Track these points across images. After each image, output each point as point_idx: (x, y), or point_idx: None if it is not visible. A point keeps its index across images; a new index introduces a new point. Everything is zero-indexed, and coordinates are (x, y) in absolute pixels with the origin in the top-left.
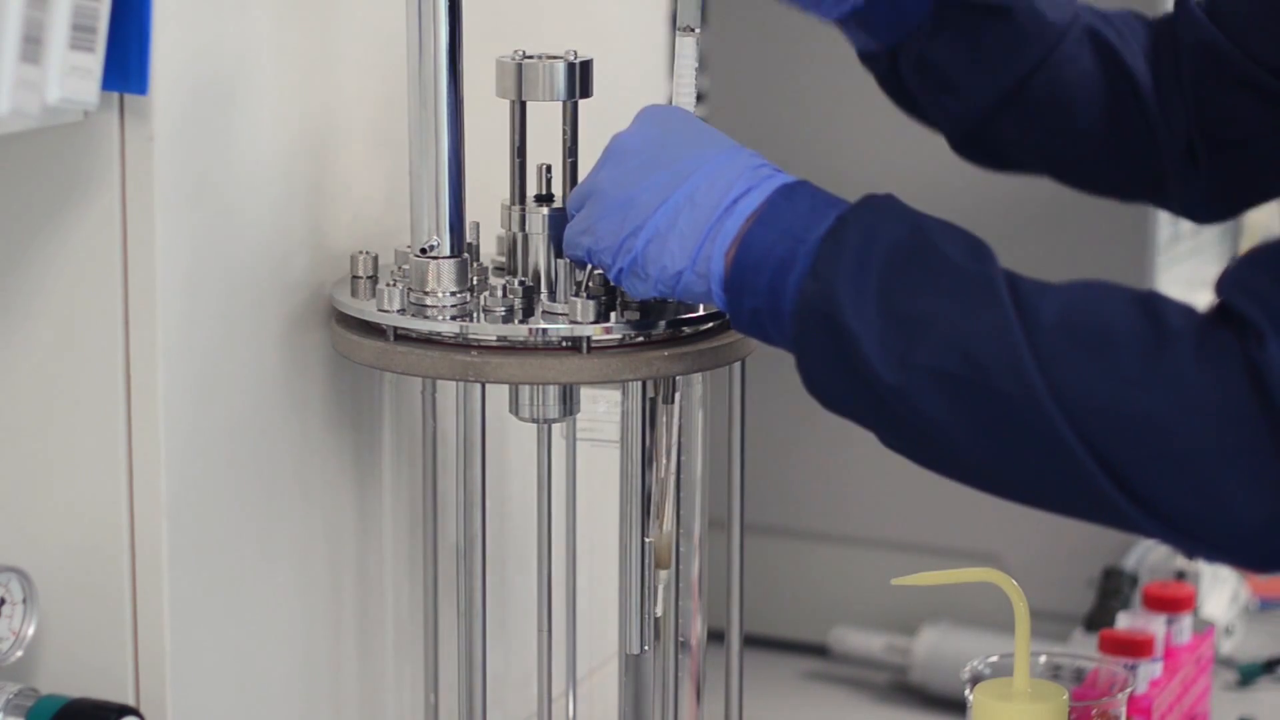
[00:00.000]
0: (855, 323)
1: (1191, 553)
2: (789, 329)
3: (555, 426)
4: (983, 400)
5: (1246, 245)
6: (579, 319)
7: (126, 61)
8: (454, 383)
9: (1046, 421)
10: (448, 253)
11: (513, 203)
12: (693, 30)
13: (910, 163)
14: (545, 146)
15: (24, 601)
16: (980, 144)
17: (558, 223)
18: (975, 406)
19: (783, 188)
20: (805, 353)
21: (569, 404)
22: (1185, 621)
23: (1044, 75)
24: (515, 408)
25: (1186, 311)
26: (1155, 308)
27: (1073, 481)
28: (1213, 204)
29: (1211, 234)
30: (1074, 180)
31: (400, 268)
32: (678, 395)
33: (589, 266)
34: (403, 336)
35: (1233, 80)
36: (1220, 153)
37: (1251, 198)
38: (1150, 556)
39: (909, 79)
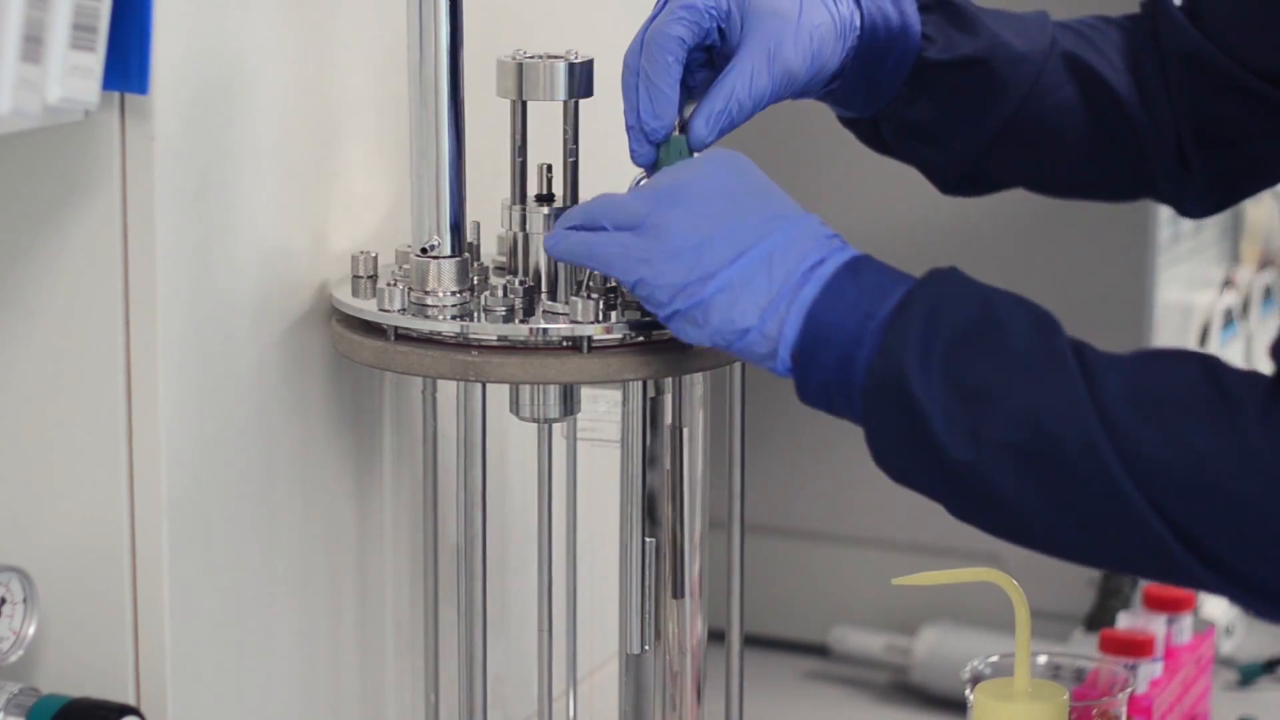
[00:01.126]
0: (925, 400)
1: (1267, 615)
2: (858, 405)
3: (556, 426)
4: (1054, 472)
5: (1247, 246)
6: (580, 318)
7: (127, 61)
8: (454, 382)
9: (1119, 491)
10: (448, 252)
11: (513, 202)
12: None
13: (908, 166)
14: (546, 146)
15: (24, 601)
16: (966, 183)
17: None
18: (1047, 478)
19: (849, 262)
20: (875, 429)
21: (569, 403)
22: (1185, 621)
23: (1026, 113)
24: (516, 407)
25: (1250, 380)
26: (1219, 376)
27: (1146, 548)
28: (1205, 200)
29: (1211, 234)
30: (1058, 194)
31: (401, 267)
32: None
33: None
34: (403, 336)
35: (1220, 85)
36: (1211, 153)
37: (1243, 192)
38: None
39: (891, 140)
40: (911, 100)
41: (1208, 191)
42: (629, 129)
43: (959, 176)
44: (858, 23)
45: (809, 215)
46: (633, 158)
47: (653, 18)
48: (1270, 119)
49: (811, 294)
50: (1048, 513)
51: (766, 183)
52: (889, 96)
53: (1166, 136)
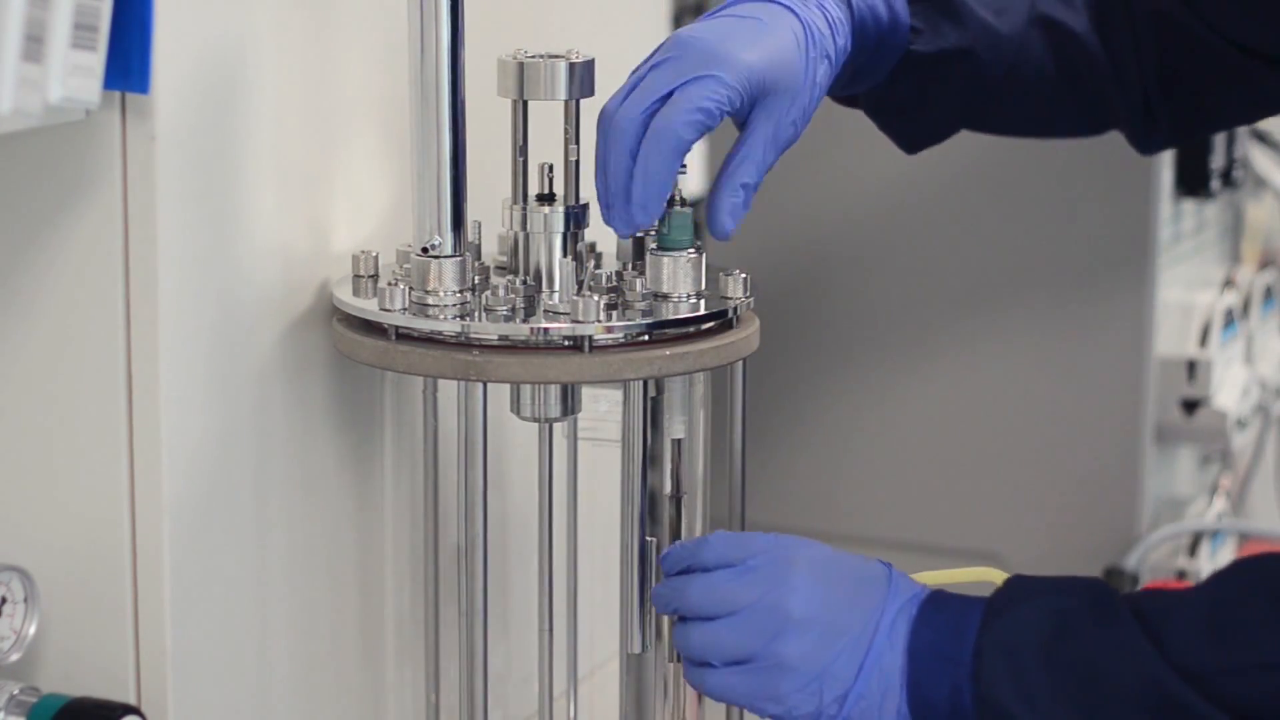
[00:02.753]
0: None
1: None
2: None
3: (557, 426)
4: None
5: (1247, 246)
6: (581, 318)
7: (128, 60)
8: (455, 382)
9: None
10: (449, 252)
11: (514, 202)
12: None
13: (907, 162)
14: (547, 145)
15: (25, 600)
16: (931, 145)
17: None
18: None
19: (920, 617)
20: None
21: (570, 403)
22: None
23: (1005, 87)
24: (517, 407)
25: None
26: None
27: None
28: (1162, 140)
29: (1212, 234)
30: (1016, 136)
31: (402, 267)
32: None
33: (590, 265)
34: (404, 336)
35: (1185, 43)
36: (1176, 103)
37: (1200, 134)
38: (1152, 556)
39: (866, 110)
40: (893, 84)
41: (1168, 134)
42: (609, 208)
43: (926, 144)
44: (850, 45)
45: (881, 573)
46: (616, 231)
47: (655, 94)
48: (1229, 75)
49: (905, 668)
50: None
51: (846, 566)
52: (872, 84)
53: (1133, 88)
